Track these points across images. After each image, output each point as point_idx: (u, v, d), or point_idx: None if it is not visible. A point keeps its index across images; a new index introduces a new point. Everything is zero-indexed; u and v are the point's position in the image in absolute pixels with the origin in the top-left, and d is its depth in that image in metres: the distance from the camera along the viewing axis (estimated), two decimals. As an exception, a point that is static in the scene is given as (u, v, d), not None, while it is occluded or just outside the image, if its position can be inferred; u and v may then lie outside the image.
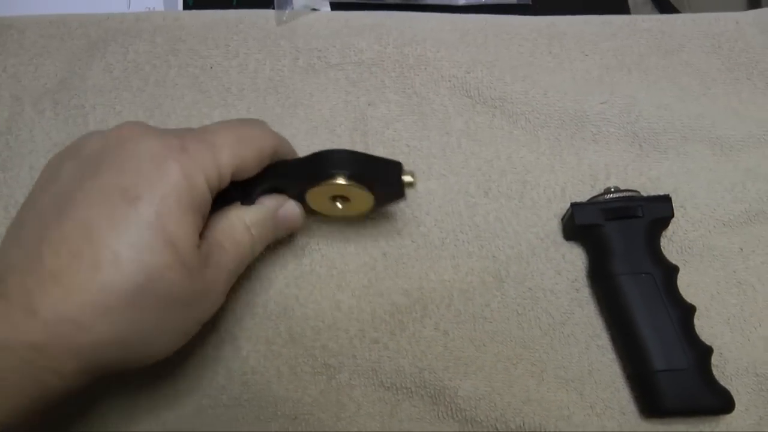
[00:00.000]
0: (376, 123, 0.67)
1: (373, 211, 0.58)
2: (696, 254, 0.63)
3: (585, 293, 0.62)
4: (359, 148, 0.65)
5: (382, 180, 0.53)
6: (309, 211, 0.57)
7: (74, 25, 0.72)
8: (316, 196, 0.54)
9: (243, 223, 0.52)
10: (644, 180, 0.65)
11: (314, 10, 0.73)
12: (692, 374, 0.55)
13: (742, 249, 0.63)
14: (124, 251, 0.41)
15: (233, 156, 0.48)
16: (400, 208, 0.64)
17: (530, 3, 0.75)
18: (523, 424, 0.57)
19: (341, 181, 0.51)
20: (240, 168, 0.49)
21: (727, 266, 0.63)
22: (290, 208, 0.55)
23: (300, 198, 0.55)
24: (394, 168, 0.53)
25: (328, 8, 0.74)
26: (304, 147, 0.65)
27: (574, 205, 0.61)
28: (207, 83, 0.69)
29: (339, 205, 0.55)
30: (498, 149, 0.66)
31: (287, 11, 0.72)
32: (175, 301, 0.45)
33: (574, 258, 0.63)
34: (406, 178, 0.53)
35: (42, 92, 0.70)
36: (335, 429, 0.58)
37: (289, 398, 0.59)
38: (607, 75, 0.70)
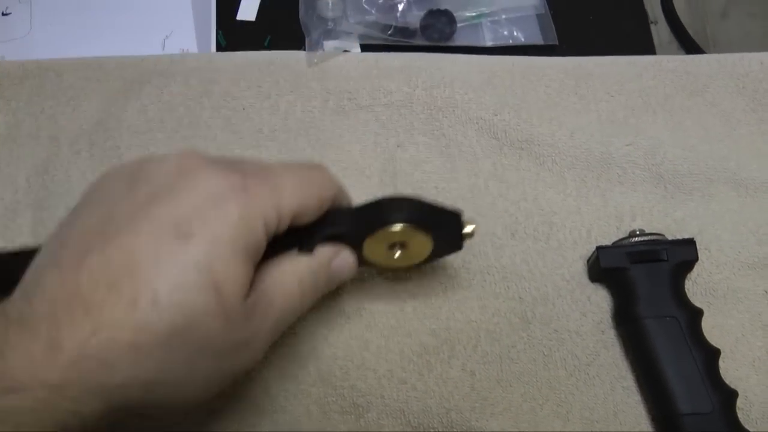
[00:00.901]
0: (405, 164, 0.69)
1: (428, 262, 0.57)
2: (720, 297, 0.64)
3: (610, 335, 0.62)
4: (388, 189, 0.67)
5: (442, 228, 0.53)
6: (363, 263, 0.54)
7: (110, 67, 0.74)
8: (375, 243, 0.52)
9: (296, 275, 0.48)
10: (669, 222, 0.66)
11: (345, 51, 0.74)
12: (717, 418, 0.56)
13: (767, 291, 0.64)
14: (165, 290, 0.38)
15: (295, 200, 0.45)
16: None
17: (557, 43, 0.76)
18: (549, 465, 0.58)
19: (400, 227, 0.50)
20: (300, 214, 0.46)
21: (752, 309, 0.63)
22: (346, 257, 0.52)
23: (357, 246, 0.52)
24: (454, 218, 0.53)
25: (359, 50, 0.75)
26: (334, 188, 0.66)
27: (599, 248, 0.62)
28: (239, 124, 0.71)
29: (396, 253, 0.54)
30: (525, 191, 0.68)
31: (318, 53, 0.73)
32: (211, 349, 0.41)
33: (600, 300, 0.63)
34: (467, 229, 0.53)
35: (78, 133, 0.71)
36: (364, 468, 0.59)
37: (318, 437, 0.60)
38: (633, 116, 0.71)
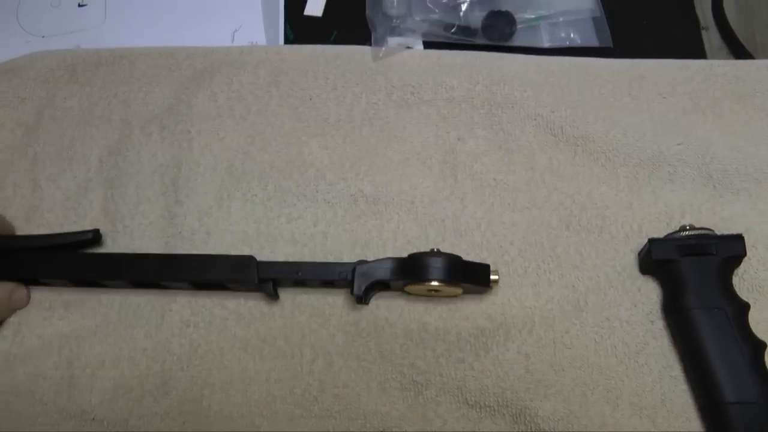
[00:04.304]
0: (465, 157, 0.72)
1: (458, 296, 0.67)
2: (766, 293, 0.66)
3: (659, 325, 0.65)
4: (448, 180, 0.71)
5: (471, 279, 0.64)
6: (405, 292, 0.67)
7: (182, 56, 0.78)
8: (415, 288, 0.64)
9: None
10: (717, 220, 0.68)
11: (408, 48, 0.78)
12: (762, 408, 0.58)
13: (811, 289, 0.66)
14: None
15: None
16: (486, 237, 0.68)
17: (612, 46, 0.79)
18: (599, 447, 0.61)
19: (435, 283, 0.62)
20: None
21: (797, 306, 0.66)
22: (21, 293, 0.68)
23: (402, 285, 0.65)
24: (483, 270, 0.64)
25: (421, 47, 0.78)
26: (396, 176, 0.70)
27: (651, 240, 0.64)
28: (306, 113, 0.74)
29: (433, 293, 0.65)
30: (579, 185, 0.70)
31: (383, 48, 0.76)
32: None
33: (650, 291, 0.66)
34: (493, 277, 0.64)
35: (150, 117, 0.75)
36: (422, 442, 0.62)
37: (378, 412, 0.63)
38: (684, 117, 0.73)
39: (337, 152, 0.73)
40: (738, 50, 0.80)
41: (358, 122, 0.74)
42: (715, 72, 0.76)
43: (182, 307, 0.67)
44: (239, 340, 0.66)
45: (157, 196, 0.72)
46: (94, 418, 0.64)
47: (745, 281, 0.66)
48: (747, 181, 0.70)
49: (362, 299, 0.65)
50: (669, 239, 0.65)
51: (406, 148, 0.73)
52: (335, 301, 0.67)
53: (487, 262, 0.65)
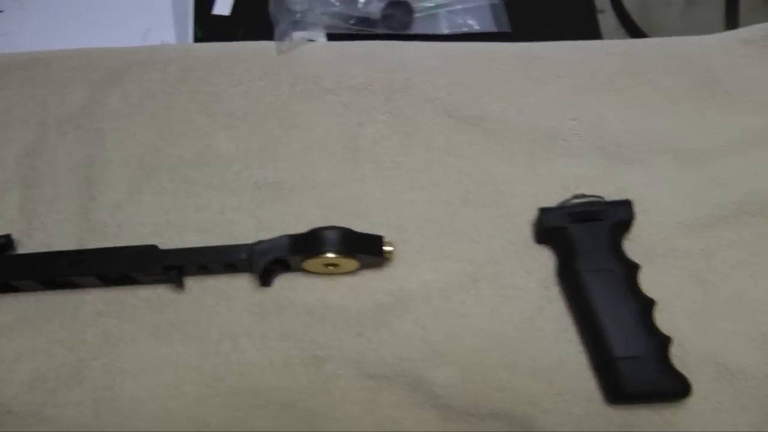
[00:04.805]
0: (365, 141, 0.74)
1: (357, 270, 0.69)
2: (660, 255, 0.68)
3: (554, 291, 0.67)
4: (349, 165, 0.73)
5: (366, 251, 0.66)
6: (305, 271, 0.68)
7: (95, 57, 0.80)
8: (312, 263, 0.66)
9: None
10: (612, 189, 0.70)
11: (311, 41, 0.80)
12: (650, 361, 0.60)
13: (703, 250, 0.68)
14: None
15: None
16: (385, 217, 0.70)
17: (510, 31, 0.81)
18: (495, 410, 0.62)
19: (331, 255, 0.64)
20: None
21: (690, 266, 0.68)
22: None
23: (299, 262, 0.66)
24: (377, 241, 0.67)
25: (325, 39, 0.81)
26: (299, 163, 0.72)
27: (541, 209, 0.66)
28: (213, 108, 0.77)
29: (331, 268, 0.67)
30: (477, 163, 0.72)
31: (287, 42, 0.79)
32: None
33: (544, 259, 0.68)
34: (387, 248, 0.67)
35: (65, 118, 0.77)
36: (321, 414, 0.63)
37: (280, 387, 0.64)
38: (579, 95, 0.76)
39: (244, 143, 0.75)
40: (633, 31, 0.83)
41: (264, 114, 0.76)
42: (610, 51, 0.78)
43: (96, 298, 0.69)
44: (150, 326, 0.67)
45: (72, 193, 0.73)
46: (9, 411, 0.65)
47: (638, 245, 0.68)
48: (640, 152, 0.72)
49: (264, 279, 0.67)
50: (559, 208, 0.67)
51: (310, 136, 0.75)
52: (240, 284, 0.68)
53: (387, 239, 0.67)
